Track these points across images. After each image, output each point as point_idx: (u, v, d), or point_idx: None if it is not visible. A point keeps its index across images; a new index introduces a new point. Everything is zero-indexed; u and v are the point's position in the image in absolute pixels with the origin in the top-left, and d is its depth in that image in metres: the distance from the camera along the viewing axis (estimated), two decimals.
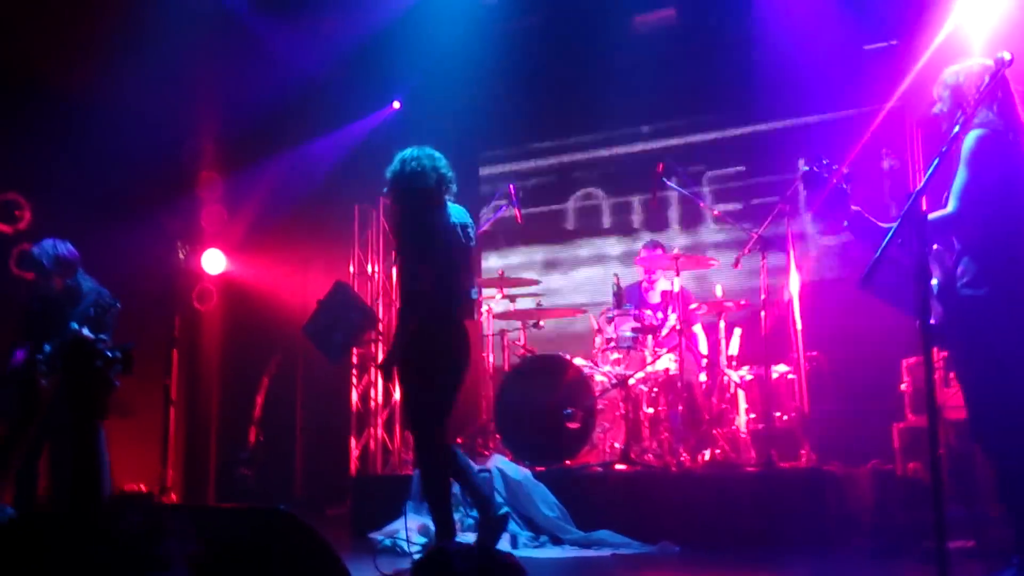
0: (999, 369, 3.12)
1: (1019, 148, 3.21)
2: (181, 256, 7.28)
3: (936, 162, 2.76)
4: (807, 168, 3.31)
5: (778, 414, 5.39)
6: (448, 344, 4.03)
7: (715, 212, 6.41)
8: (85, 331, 4.13)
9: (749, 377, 5.56)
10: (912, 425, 5.07)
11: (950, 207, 3.22)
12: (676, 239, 6.90)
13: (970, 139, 3.18)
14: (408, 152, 4.10)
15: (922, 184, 2.68)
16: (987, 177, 3.14)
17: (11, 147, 6.28)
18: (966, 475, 4.78)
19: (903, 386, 5.33)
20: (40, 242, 4.88)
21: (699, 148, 6.99)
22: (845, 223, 3.25)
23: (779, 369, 5.48)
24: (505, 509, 4.18)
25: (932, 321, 3.21)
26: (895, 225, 2.68)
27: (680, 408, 5.40)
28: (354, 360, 6.95)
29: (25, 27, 6.11)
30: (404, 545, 4.57)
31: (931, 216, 3.30)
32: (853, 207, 3.24)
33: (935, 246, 3.25)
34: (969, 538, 4.13)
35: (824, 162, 3.28)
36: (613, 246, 7.33)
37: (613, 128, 7.29)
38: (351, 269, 7.17)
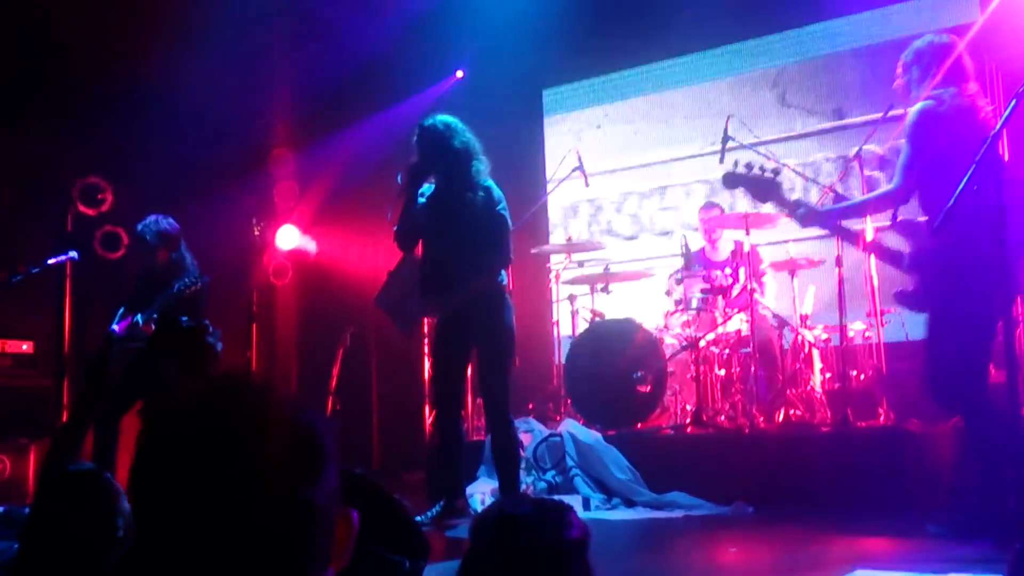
0: (949, 338, 3.28)
1: (968, 119, 3.24)
2: (256, 232, 7.49)
3: (1013, 103, 2.64)
4: (726, 172, 3.58)
5: (854, 373, 5.27)
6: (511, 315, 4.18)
7: (788, 167, 6.25)
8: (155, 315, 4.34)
9: (824, 336, 5.45)
10: (994, 381, 4.90)
11: (892, 183, 3.40)
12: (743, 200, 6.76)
13: (912, 113, 3.21)
14: (458, 122, 4.24)
15: (997, 127, 2.57)
16: (927, 151, 3.21)
17: (92, 133, 6.54)
18: None
19: None
20: (144, 219, 5.08)
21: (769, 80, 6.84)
22: (786, 211, 3.39)
23: (855, 327, 5.35)
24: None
25: (911, 289, 3.25)
26: (970, 171, 2.59)
27: (753, 369, 5.34)
28: (426, 330, 7.06)
29: (100, 18, 6.33)
30: (478, 508, 4.66)
31: (874, 193, 3.51)
32: (792, 198, 3.48)
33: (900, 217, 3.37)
34: None
35: (747, 163, 3.50)
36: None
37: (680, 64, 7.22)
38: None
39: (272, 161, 7.61)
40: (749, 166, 3.47)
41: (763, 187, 3.46)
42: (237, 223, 7.47)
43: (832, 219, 3.57)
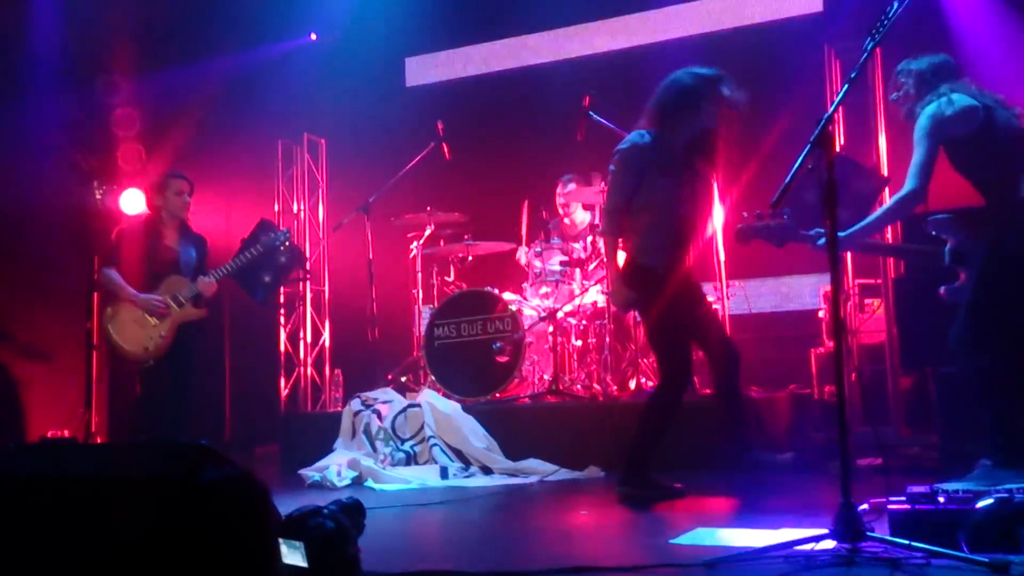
0: None
1: None
2: (98, 196, 7.03)
3: (845, 88, 2.81)
4: (739, 227, 3.40)
5: None
6: None
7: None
8: None
9: None
10: (829, 351, 5.27)
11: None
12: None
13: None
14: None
15: (831, 110, 2.72)
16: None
17: None
18: (877, 397, 5.01)
19: (821, 313, 5.52)
20: None
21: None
22: (818, 243, 3.28)
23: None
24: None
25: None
26: (805, 149, 2.73)
27: (608, 339, 5.50)
28: (281, 300, 6.88)
29: None
30: (334, 479, 4.60)
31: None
32: (807, 232, 3.31)
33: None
34: (876, 456, 4.32)
35: (757, 214, 3.36)
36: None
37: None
38: (275, 207, 7.04)
39: (116, 121, 7.15)
40: (759, 217, 3.40)
41: (780, 232, 3.39)
42: (77, 186, 7.01)
43: (855, 241, 3.43)
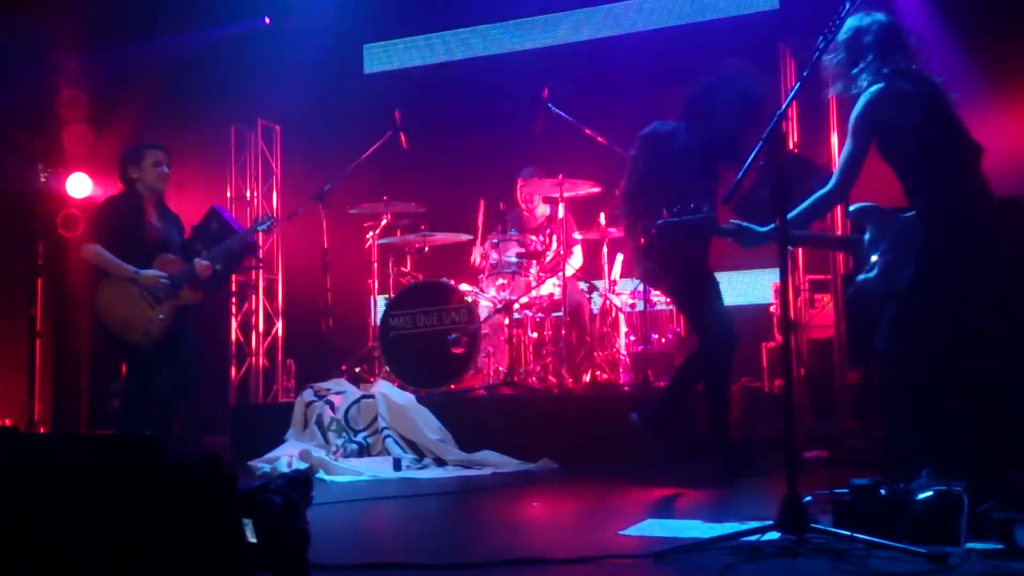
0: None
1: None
2: (42, 179, 6.85)
3: (797, 86, 2.84)
4: (660, 223, 3.11)
5: (656, 336, 5.57)
6: None
7: (599, 139, 6.42)
8: None
9: (631, 302, 5.70)
10: (779, 345, 5.34)
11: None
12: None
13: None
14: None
15: (783, 107, 2.74)
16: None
17: None
18: (826, 391, 5.10)
19: (772, 308, 5.60)
20: None
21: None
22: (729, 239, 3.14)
23: (660, 297, 5.63)
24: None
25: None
26: (758, 146, 2.75)
27: (563, 332, 5.51)
28: (233, 288, 6.77)
29: None
30: (284, 471, 4.54)
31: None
32: (732, 223, 3.13)
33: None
34: (823, 448, 4.40)
35: (676, 209, 3.11)
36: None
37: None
38: (228, 194, 6.92)
39: (63, 102, 6.97)
40: (679, 213, 3.11)
41: (699, 226, 3.09)
42: (20, 167, 6.83)
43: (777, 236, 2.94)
